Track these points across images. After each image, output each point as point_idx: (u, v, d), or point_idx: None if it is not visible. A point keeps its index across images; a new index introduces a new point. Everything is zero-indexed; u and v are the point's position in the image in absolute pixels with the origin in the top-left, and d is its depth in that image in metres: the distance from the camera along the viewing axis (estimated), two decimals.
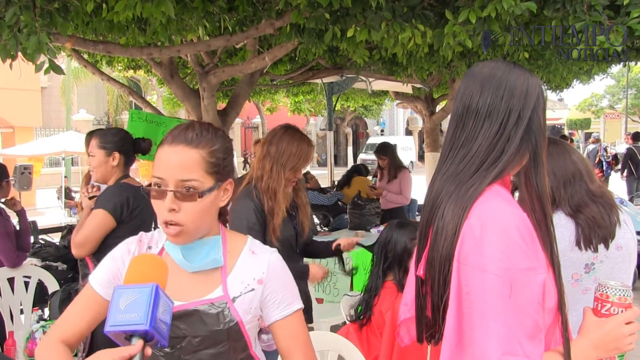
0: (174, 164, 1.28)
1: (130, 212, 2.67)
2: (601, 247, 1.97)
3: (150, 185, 1.32)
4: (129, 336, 1.02)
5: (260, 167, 2.47)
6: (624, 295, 1.18)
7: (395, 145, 6.76)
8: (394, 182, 6.15)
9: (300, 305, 1.43)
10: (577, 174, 2.02)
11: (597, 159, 12.28)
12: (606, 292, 1.20)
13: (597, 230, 1.95)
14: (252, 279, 1.37)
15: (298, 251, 2.64)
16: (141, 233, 1.45)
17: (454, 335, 1.12)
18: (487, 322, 1.06)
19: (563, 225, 1.98)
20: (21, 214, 3.70)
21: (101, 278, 1.37)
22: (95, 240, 2.58)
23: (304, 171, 2.57)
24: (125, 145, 2.79)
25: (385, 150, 6.21)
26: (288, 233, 2.52)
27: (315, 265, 2.57)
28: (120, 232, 2.59)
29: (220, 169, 1.34)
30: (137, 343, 1.02)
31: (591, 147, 13.80)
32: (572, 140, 13.46)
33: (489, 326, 1.06)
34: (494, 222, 1.11)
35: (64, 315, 1.37)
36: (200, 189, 1.28)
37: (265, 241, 2.33)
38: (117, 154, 2.74)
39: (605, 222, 1.96)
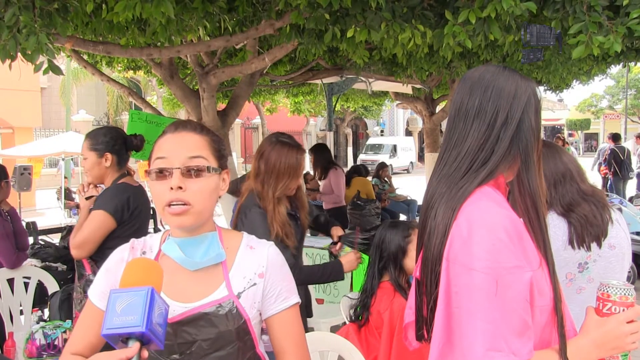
0: (181, 144, 1.30)
1: (131, 213, 2.65)
2: (594, 246, 1.98)
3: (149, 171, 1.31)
4: (125, 339, 1.03)
5: (256, 185, 2.46)
6: (625, 294, 1.19)
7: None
8: (325, 181, 6.22)
9: (297, 299, 1.42)
10: (567, 174, 2.04)
11: (604, 157, 12.44)
12: (607, 291, 1.20)
13: (589, 229, 1.97)
14: (253, 274, 1.37)
15: (299, 247, 2.69)
16: (132, 240, 1.42)
17: (443, 333, 1.14)
18: (474, 320, 1.08)
19: (556, 225, 1.99)
20: (12, 213, 3.69)
21: (98, 291, 1.36)
22: (95, 241, 2.57)
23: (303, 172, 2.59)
24: (117, 144, 2.75)
25: (313, 150, 6.36)
26: (298, 235, 2.55)
27: (347, 256, 2.60)
28: (118, 233, 2.60)
29: (221, 155, 1.38)
30: (134, 345, 1.02)
31: (604, 145, 13.93)
32: (565, 142, 13.57)
33: (476, 324, 1.08)
34: (481, 222, 1.13)
35: (73, 332, 1.38)
36: (207, 165, 1.30)
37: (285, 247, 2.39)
38: (109, 155, 2.71)
39: (597, 220, 1.98)
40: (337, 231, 2.84)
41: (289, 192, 2.49)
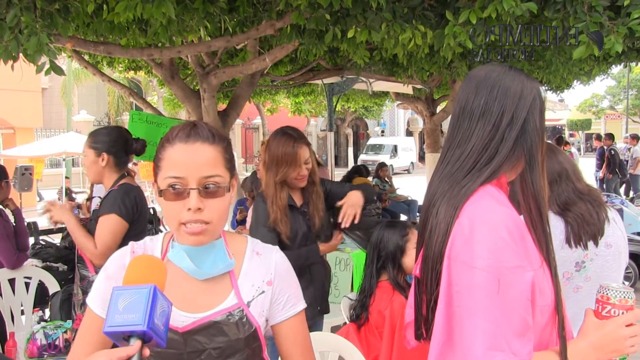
0: (196, 161, 1.24)
1: (139, 213, 2.67)
2: (591, 244, 1.99)
3: (162, 188, 1.26)
4: (127, 337, 1.02)
5: (263, 173, 2.66)
6: (624, 297, 1.18)
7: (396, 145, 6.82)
8: None
9: (303, 305, 1.42)
10: (563, 173, 2.05)
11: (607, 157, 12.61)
12: (607, 293, 1.19)
13: (586, 227, 1.98)
14: (261, 281, 1.35)
15: (307, 244, 2.70)
16: (132, 243, 1.39)
17: (443, 332, 1.13)
18: (475, 319, 1.08)
19: (552, 225, 2.00)
20: (16, 213, 3.69)
21: (98, 299, 1.33)
22: (116, 246, 2.54)
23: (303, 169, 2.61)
24: (116, 146, 2.71)
25: None
26: (301, 230, 2.62)
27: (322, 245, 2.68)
28: (128, 234, 2.59)
29: (232, 165, 1.34)
30: (135, 344, 1.01)
31: (622, 145, 14.05)
32: (566, 143, 13.68)
33: (477, 323, 1.07)
34: (483, 220, 1.13)
35: (75, 341, 1.35)
36: (224, 184, 1.26)
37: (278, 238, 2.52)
38: (105, 155, 2.67)
39: (593, 219, 1.99)
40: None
41: (290, 180, 2.60)
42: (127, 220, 2.60)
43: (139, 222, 2.68)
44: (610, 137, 12.56)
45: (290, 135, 2.61)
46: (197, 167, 1.23)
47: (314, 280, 2.72)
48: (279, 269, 1.38)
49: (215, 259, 1.31)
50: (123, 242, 2.57)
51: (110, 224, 2.57)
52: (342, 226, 2.60)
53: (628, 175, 12.48)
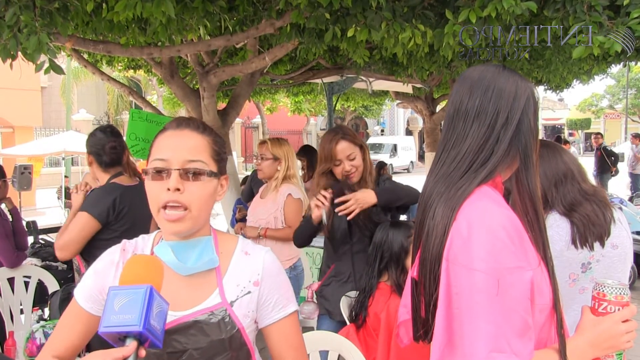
0: (180, 145, 1.27)
1: (117, 214, 2.64)
2: (597, 245, 1.97)
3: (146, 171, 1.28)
4: (123, 337, 1.02)
5: None
6: (620, 293, 1.19)
7: (392, 145, 6.76)
8: (312, 181, 6.25)
9: (295, 307, 1.39)
10: (568, 174, 2.04)
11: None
12: (603, 290, 1.20)
13: (592, 228, 1.96)
14: (247, 281, 1.33)
15: (354, 240, 2.72)
16: (124, 241, 1.39)
17: (444, 335, 1.13)
18: (475, 321, 1.08)
19: (558, 226, 1.99)
20: (14, 212, 3.70)
21: (85, 293, 1.32)
22: (78, 243, 2.57)
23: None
24: (95, 147, 2.76)
25: (304, 153, 6.34)
26: (341, 226, 2.64)
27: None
28: (106, 234, 2.60)
29: (221, 159, 1.35)
30: (131, 344, 1.01)
31: (630, 145, 14.15)
32: (566, 142, 13.73)
33: (478, 325, 1.07)
34: (481, 222, 1.13)
35: (55, 329, 1.34)
36: (206, 169, 1.27)
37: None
38: (90, 157, 2.76)
39: (599, 219, 1.97)
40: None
41: (336, 174, 2.68)
42: (100, 221, 2.59)
43: (118, 223, 2.65)
44: (600, 135, 12.72)
45: (331, 131, 2.73)
46: (182, 150, 1.26)
47: (356, 273, 2.70)
48: (268, 270, 1.35)
49: (201, 254, 1.30)
50: (101, 243, 2.54)
51: (79, 221, 2.59)
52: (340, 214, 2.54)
53: (619, 172, 12.62)
